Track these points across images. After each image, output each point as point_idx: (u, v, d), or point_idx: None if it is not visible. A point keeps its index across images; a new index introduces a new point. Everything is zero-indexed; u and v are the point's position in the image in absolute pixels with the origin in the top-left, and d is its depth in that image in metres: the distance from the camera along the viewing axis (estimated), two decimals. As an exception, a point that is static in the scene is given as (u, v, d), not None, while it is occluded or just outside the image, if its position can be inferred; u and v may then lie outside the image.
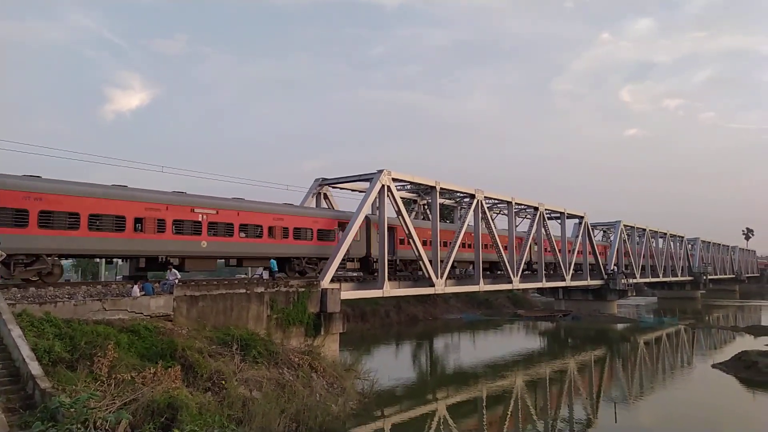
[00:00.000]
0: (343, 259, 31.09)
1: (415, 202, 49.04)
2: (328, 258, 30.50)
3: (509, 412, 23.74)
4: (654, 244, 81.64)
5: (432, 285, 36.25)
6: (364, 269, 35.65)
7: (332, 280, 29.48)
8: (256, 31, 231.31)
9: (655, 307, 78.29)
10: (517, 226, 50.52)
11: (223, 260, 30.02)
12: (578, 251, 59.14)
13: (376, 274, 34.89)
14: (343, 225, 32.10)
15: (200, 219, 25.11)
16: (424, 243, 36.45)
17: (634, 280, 68.58)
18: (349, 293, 30.99)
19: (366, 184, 35.38)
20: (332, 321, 27.39)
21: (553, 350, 42.99)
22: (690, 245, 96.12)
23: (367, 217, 33.95)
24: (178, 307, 20.91)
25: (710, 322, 62.62)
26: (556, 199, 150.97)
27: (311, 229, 30.62)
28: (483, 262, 43.46)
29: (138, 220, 22.88)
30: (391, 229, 35.77)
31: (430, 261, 36.24)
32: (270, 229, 28.29)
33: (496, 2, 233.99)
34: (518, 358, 37.78)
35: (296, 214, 30.13)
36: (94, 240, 21.42)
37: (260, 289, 24.45)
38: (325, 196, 39.43)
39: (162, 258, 23.90)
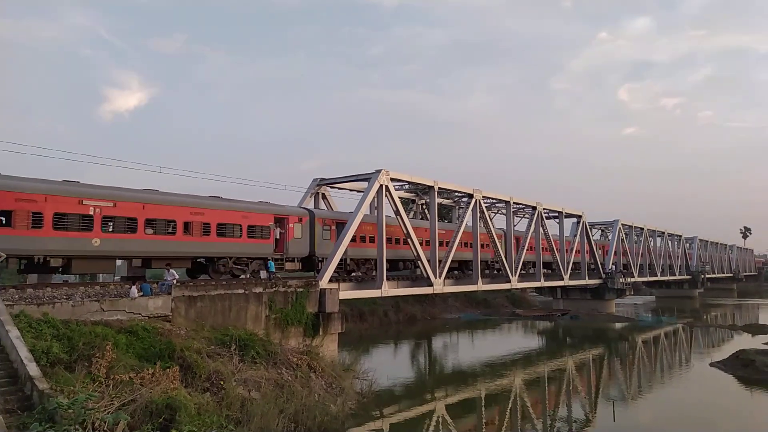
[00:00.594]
0: (280, 259, 29.25)
1: (413, 201, 49.09)
2: (262, 258, 28.31)
3: (508, 412, 23.76)
4: (652, 243, 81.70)
5: (430, 285, 36.28)
6: (307, 269, 32.28)
7: (330, 280, 29.52)
8: (254, 30, 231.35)
9: (653, 306, 78.43)
10: (515, 226, 50.62)
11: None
12: (576, 250, 59.23)
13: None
14: (281, 220, 29.43)
15: (91, 212, 21.69)
16: (393, 241, 35.91)
17: (632, 279, 68.66)
18: (347, 293, 30.99)
19: (364, 184, 35.40)
20: (331, 321, 27.40)
21: (551, 349, 43.04)
22: (688, 244, 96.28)
23: (310, 212, 31.69)
24: (177, 308, 20.90)
25: (708, 320, 62.73)
26: (554, 198, 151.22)
27: (240, 225, 27.22)
28: (454, 261, 41.56)
29: (4, 214, 19.77)
30: (341, 225, 32.78)
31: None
32: (186, 224, 24.92)
33: (494, 2, 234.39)
34: (517, 357, 37.81)
35: (220, 208, 26.69)
36: None
37: (259, 290, 24.45)
38: (324, 196, 39.49)
39: (39, 258, 20.75)
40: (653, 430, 21.59)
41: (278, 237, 29.27)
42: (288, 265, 30.00)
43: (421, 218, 46.43)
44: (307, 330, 26.43)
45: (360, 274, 35.60)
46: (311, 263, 31.49)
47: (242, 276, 27.65)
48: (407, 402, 25.64)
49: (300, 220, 30.72)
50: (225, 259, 26.96)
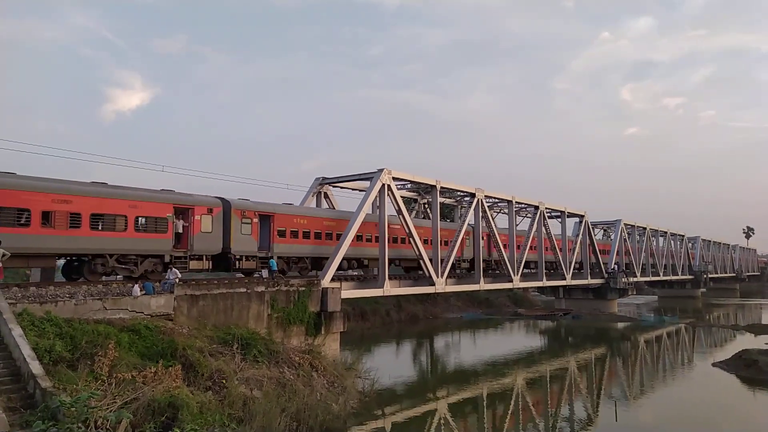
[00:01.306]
0: (183, 258, 25.17)
1: (415, 201, 49.10)
2: (157, 256, 24.25)
3: (510, 411, 23.76)
4: (654, 243, 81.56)
5: (432, 284, 36.27)
6: (221, 269, 28.38)
7: (332, 279, 29.52)
8: (255, 31, 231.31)
9: (655, 306, 78.28)
10: (517, 225, 50.60)
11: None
12: (578, 250, 59.16)
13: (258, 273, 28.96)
14: (183, 211, 25.16)
15: None
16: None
17: (635, 279, 68.58)
18: (349, 292, 31.01)
19: (366, 183, 35.39)
20: (333, 320, 27.39)
21: (553, 349, 43.01)
22: (690, 244, 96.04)
23: (225, 202, 27.27)
24: (179, 307, 20.93)
25: (711, 320, 62.62)
26: (556, 198, 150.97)
27: (125, 217, 22.72)
28: (405, 259, 39.06)
29: None
30: (266, 218, 29.26)
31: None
32: (46, 214, 20.35)
33: (495, 1, 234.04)
34: (519, 356, 37.80)
35: (96, 195, 22.05)
36: None
37: (261, 288, 24.47)
38: (326, 196, 39.52)
39: None
40: (655, 430, 21.56)
41: (180, 231, 25.17)
42: (193, 264, 25.64)
43: (423, 218, 46.42)
44: (309, 329, 26.43)
45: (296, 272, 31.65)
46: (226, 262, 27.36)
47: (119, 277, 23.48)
48: (409, 401, 25.65)
49: (210, 211, 26.37)
50: (104, 257, 22.50)
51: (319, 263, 32.10)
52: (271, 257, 28.78)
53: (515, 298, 71.33)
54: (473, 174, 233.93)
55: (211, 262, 26.81)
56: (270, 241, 29.41)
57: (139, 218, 23.45)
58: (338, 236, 32.22)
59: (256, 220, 28.60)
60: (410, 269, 41.43)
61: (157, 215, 24.07)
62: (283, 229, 29.99)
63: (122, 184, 24.05)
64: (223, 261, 27.36)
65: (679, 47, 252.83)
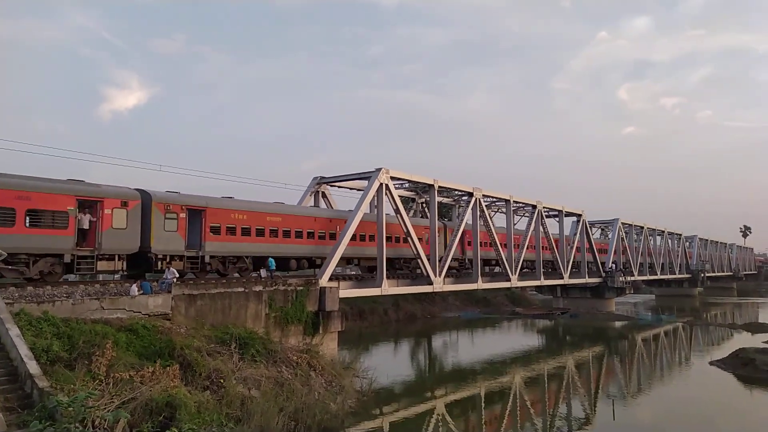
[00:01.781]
0: (89, 257, 21.94)
1: (413, 200, 49.12)
2: (57, 255, 21.15)
3: (508, 410, 23.78)
4: (652, 242, 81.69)
5: (430, 283, 36.28)
6: (137, 268, 24.57)
7: (330, 279, 29.51)
8: (255, 31, 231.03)
9: (653, 305, 78.46)
10: (515, 224, 50.65)
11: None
12: (576, 249, 59.24)
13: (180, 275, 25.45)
14: (88, 204, 22.11)
15: None
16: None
17: (632, 278, 68.67)
18: (347, 291, 30.99)
19: (364, 183, 35.38)
20: (331, 319, 27.39)
21: (551, 348, 43.07)
22: (688, 243, 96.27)
23: (144, 194, 24.25)
24: (177, 306, 20.91)
25: (708, 319, 62.74)
26: (554, 197, 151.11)
27: (13, 210, 19.80)
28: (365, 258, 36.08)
29: None
30: (196, 213, 26.17)
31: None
32: None
33: (495, 1, 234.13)
34: (517, 355, 37.84)
35: None
36: None
37: (258, 288, 24.45)
38: (324, 195, 39.51)
39: None
40: (653, 429, 21.60)
41: (86, 226, 22.10)
42: (102, 265, 22.44)
43: (422, 217, 46.44)
44: (307, 328, 26.41)
45: (235, 272, 28.70)
46: (146, 261, 24.13)
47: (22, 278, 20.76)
48: (407, 400, 25.65)
49: (124, 204, 23.11)
50: None
51: (261, 262, 28.98)
52: (203, 255, 26.29)
53: (513, 297, 71.38)
54: (472, 174, 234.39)
55: (124, 263, 23.60)
56: (201, 239, 26.38)
57: (32, 212, 20.35)
58: (285, 233, 30.39)
59: (183, 215, 25.51)
60: (373, 269, 35.46)
61: (54, 208, 20.94)
62: (218, 225, 26.98)
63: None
64: (142, 261, 24.19)
65: (678, 47, 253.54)
